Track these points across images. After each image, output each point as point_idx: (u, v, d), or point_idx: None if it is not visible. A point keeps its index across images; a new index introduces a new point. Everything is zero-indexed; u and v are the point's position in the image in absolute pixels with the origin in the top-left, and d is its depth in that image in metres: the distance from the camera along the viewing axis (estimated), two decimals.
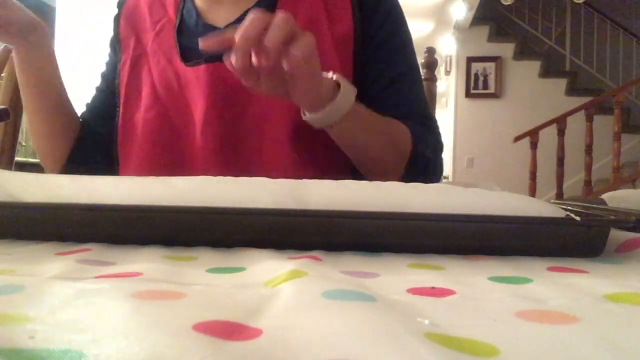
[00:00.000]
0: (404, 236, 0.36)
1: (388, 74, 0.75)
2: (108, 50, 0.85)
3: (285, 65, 0.49)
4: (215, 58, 0.69)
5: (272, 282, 0.25)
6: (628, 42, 5.42)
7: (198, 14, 0.77)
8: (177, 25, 0.77)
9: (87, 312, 0.19)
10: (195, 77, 0.71)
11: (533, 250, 0.35)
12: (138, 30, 0.79)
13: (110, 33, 0.84)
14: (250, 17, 0.47)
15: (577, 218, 0.35)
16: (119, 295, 0.21)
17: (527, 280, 0.27)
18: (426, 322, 0.19)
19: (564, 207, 0.40)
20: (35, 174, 0.42)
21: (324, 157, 0.70)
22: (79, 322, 0.18)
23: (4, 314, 0.18)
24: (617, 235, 0.38)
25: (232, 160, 0.70)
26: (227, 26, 0.73)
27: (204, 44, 0.49)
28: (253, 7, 0.74)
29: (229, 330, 0.18)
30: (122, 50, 0.80)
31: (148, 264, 0.29)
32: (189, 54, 0.74)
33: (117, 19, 0.83)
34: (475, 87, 5.64)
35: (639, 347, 0.17)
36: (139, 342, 0.16)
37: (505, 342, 0.17)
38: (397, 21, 0.78)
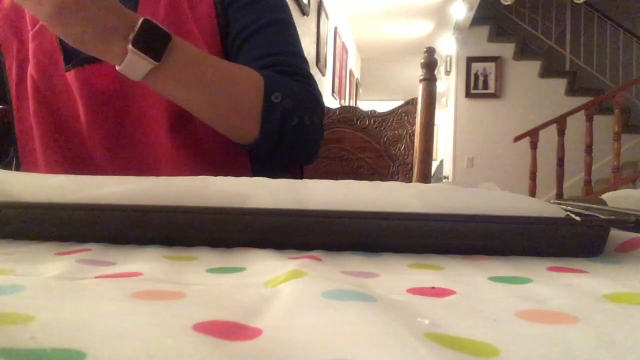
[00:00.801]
0: (404, 236, 0.36)
1: (248, 27, 0.69)
2: None
3: None
4: (84, 61, 0.67)
5: (272, 282, 0.25)
6: (628, 42, 5.42)
7: None
8: None
9: (87, 312, 0.19)
10: (71, 81, 0.69)
11: (533, 250, 0.35)
12: (21, 30, 0.74)
13: None
14: None
15: (577, 218, 0.35)
16: (119, 295, 0.21)
17: (527, 280, 0.27)
18: (426, 322, 0.19)
19: (564, 207, 0.40)
20: (35, 174, 0.42)
21: (209, 149, 0.67)
22: (79, 322, 0.18)
23: (4, 314, 0.18)
24: (617, 235, 0.38)
25: (126, 157, 0.69)
26: None
27: None
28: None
29: (229, 330, 0.18)
30: (4, 54, 0.75)
31: (148, 264, 0.29)
32: (70, 60, 0.70)
33: None
34: (475, 87, 5.65)
35: (639, 347, 0.17)
36: (139, 342, 0.16)
37: (505, 342, 0.17)
38: None
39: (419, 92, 1.13)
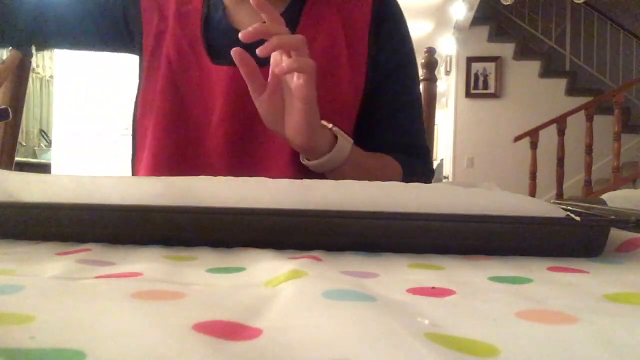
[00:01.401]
0: (404, 236, 0.36)
1: (395, 101, 0.78)
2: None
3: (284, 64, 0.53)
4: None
5: (272, 282, 0.25)
6: (628, 42, 5.42)
7: (224, 8, 0.77)
8: (203, 17, 0.77)
9: (87, 312, 0.19)
10: (217, 77, 0.72)
11: (533, 250, 0.35)
12: (161, 5, 0.78)
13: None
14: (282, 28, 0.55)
15: (577, 218, 0.35)
16: (119, 295, 0.21)
17: (527, 280, 0.27)
18: (426, 322, 0.19)
19: (564, 207, 0.40)
20: (35, 174, 0.42)
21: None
22: (79, 322, 0.18)
23: (4, 314, 0.18)
24: (617, 235, 0.38)
25: (238, 161, 0.71)
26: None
27: (244, 36, 0.55)
28: (285, 11, 0.75)
29: (229, 330, 0.18)
30: (144, 22, 0.78)
31: (148, 264, 0.29)
32: (212, 51, 0.74)
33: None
34: (475, 87, 5.64)
35: (639, 347, 0.17)
36: (139, 342, 0.16)
37: (505, 342, 0.17)
38: (409, 51, 0.81)
39: None
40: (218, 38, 0.76)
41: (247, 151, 0.72)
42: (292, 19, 0.74)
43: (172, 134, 0.73)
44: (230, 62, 0.71)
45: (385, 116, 0.78)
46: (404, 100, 0.79)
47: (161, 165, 0.73)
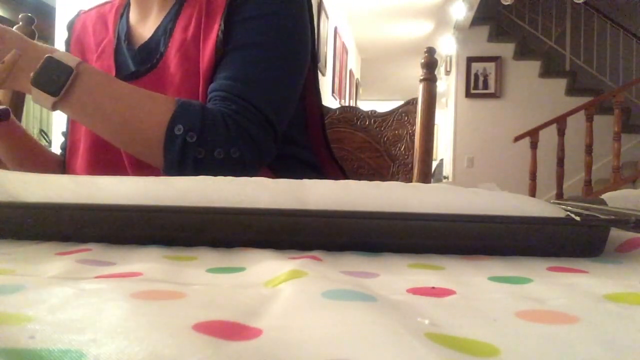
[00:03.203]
0: (404, 236, 0.36)
1: (234, 39, 0.67)
2: None
3: None
4: (126, 77, 0.71)
5: (272, 282, 0.25)
6: (628, 42, 5.42)
7: (128, 30, 0.78)
8: (115, 45, 0.79)
9: (87, 312, 0.19)
10: None
11: (533, 250, 0.35)
12: (85, 52, 0.81)
13: None
14: None
15: (577, 218, 0.35)
16: (119, 295, 0.21)
17: (527, 280, 0.27)
18: (426, 322, 0.19)
19: (564, 207, 0.40)
20: (35, 174, 0.42)
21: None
22: (79, 322, 0.18)
23: (4, 314, 0.18)
24: (617, 235, 0.38)
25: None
26: (141, 45, 0.76)
27: None
28: (163, 19, 0.75)
29: (229, 330, 0.18)
30: None
31: (148, 264, 0.29)
32: (121, 74, 0.75)
33: (67, 43, 0.84)
34: (475, 87, 5.65)
35: (639, 347, 0.17)
36: (139, 342, 0.16)
37: (505, 342, 0.17)
38: (269, 27, 0.69)
39: (419, 92, 1.13)
40: (123, 62, 0.77)
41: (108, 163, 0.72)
42: (173, 16, 0.74)
43: (97, 163, 0.74)
44: (128, 78, 0.71)
45: (224, 54, 0.67)
46: (240, 44, 0.66)
47: None
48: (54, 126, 2.80)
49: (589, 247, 0.35)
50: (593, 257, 0.35)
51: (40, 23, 1.12)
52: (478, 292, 0.25)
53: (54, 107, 0.59)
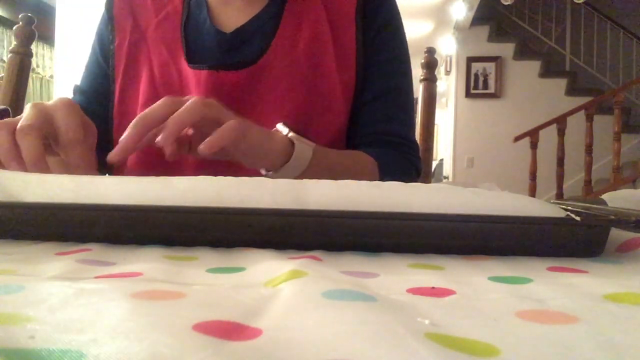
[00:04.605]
0: (404, 236, 0.36)
1: (380, 88, 0.75)
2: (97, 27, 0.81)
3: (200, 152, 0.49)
4: (219, 65, 0.70)
5: (272, 282, 0.25)
6: (628, 42, 5.42)
7: (208, 9, 0.75)
8: (184, 19, 0.75)
9: (87, 312, 0.19)
10: (196, 80, 0.71)
11: (533, 250, 0.35)
12: (136, 12, 0.76)
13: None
14: (164, 101, 0.50)
15: (577, 218, 0.35)
16: (119, 295, 0.21)
17: (527, 280, 0.27)
18: (426, 322, 0.19)
19: (564, 207, 0.40)
20: (35, 174, 0.42)
21: None
22: (79, 322, 0.18)
23: (4, 314, 0.18)
24: (617, 235, 0.38)
25: (215, 169, 0.71)
26: (234, 32, 0.73)
27: (111, 158, 0.50)
28: (260, 12, 0.74)
29: (229, 330, 0.18)
30: (116, 32, 0.77)
31: (148, 264, 0.29)
32: (192, 53, 0.73)
33: (110, 20, 0.79)
34: (475, 87, 5.65)
35: (639, 347, 0.17)
36: (139, 342, 0.16)
37: (505, 342, 0.17)
38: (396, 34, 0.78)
39: (419, 92, 1.13)
40: (199, 40, 0.74)
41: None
42: (275, 14, 0.73)
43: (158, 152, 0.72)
44: (209, 66, 0.70)
45: (369, 102, 0.74)
46: (391, 87, 0.76)
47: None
48: None
49: (589, 247, 0.35)
50: (593, 257, 0.35)
51: (40, 23, 1.12)
52: (478, 292, 0.25)
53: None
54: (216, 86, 0.70)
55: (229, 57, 0.72)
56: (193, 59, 0.72)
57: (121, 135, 0.73)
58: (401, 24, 0.80)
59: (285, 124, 0.60)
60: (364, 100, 0.75)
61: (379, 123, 0.75)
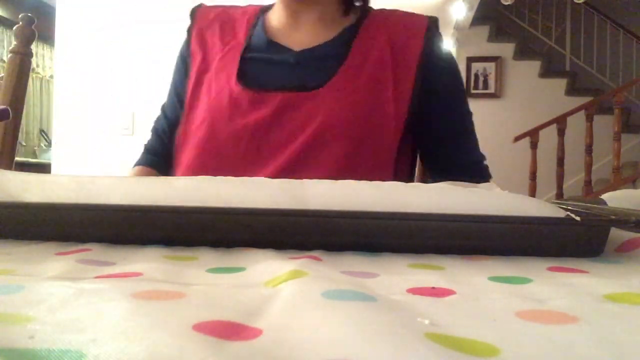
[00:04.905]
0: (404, 236, 0.36)
1: (450, 130, 0.80)
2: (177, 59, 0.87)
3: None
4: (312, 87, 0.72)
5: (272, 282, 0.25)
6: (628, 42, 5.42)
7: (268, 37, 0.79)
8: (243, 48, 0.79)
9: (87, 312, 0.19)
10: (242, 101, 0.73)
11: (533, 250, 0.35)
12: (207, 47, 0.82)
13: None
14: None
15: (577, 218, 0.35)
16: (119, 295, 0.21)
17: (527, 280, 0.27)
18: (426, 322, 0.19)
19: (564, 207, 0.40)
20: (35, 174, 0.42)
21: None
22: (78, 322, 0.18)
23: (4, 314, 0.18)
24: (617, 235, 0.38)
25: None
26: (302, 51, 0.76)
27: None
28: (330, 40, 0.77)
29: (229, 330, 0.18)
30: (191, 65, 0.82)
31: (148, 264, 0.29)
32: (248, 76, 0.75)
33: (189, 32, 0.84)
34: (476, 87, 5.64)
35: (639, 347, 0.17)
36: (139, 342, 0.16)
37: (505, 342, 0.17)
38: (460, 82, 0.84)
39: None
40: (260, 63, 0.77)
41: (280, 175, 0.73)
42: (343, 48, 0.76)
43: (204, 168, 0.74)
44: (259, 87, 0.72)
45: (450, 138, 0.80)
46: (465, 127, 0.82)
47: None
48: (54, 126, 2.81)
49: (589, 247, 0.35)
50: (593, 257, 0.35)
51: (40, 23, 1.12)
52: (478, 292, 0.25)
53: None
54: (258, 108, 0.72)
55: (311, 82, 0.75)
56: (248, 81, 0.75)
57: (181, 154, 0.79)
58: (457, 66, 0.85)
59: None
60: (443, 142, 0.80)
61: (465, 156, 0.81)
